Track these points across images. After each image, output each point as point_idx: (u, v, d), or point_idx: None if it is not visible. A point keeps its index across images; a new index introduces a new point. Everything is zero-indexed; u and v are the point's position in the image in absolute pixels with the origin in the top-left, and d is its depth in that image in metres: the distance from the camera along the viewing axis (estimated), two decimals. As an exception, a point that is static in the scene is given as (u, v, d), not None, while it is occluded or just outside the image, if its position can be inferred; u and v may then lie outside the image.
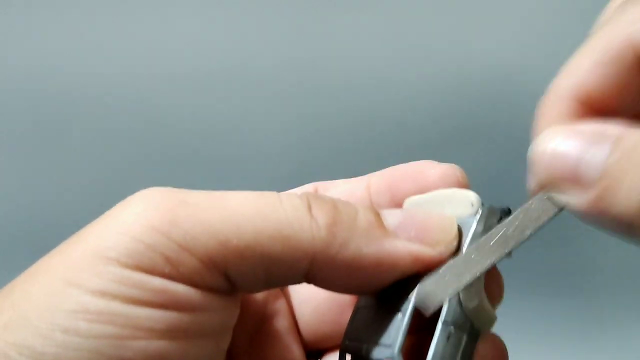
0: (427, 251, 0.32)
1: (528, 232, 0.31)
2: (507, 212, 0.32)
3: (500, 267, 0.33)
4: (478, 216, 0.32)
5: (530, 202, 0.31)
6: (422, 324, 0.32)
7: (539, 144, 0.30)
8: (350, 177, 0.36)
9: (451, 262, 0.31)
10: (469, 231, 0.32)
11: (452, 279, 0.31)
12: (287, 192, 0.33)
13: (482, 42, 0.78)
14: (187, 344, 0.30)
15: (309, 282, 0.32)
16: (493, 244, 0.31)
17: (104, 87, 0.79)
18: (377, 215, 0.32)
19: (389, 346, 0.31)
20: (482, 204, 0.33)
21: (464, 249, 0.32)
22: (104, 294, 0.29)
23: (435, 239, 0.32)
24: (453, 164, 0.35)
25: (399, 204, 0.35)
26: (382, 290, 0.32)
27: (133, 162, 0.79)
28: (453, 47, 0.78)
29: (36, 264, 0.31)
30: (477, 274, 0.31)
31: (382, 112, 0.78)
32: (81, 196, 0.79)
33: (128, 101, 0.79)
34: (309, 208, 0.31)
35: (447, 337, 0.31)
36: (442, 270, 0.31)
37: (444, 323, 0.31)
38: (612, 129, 0.29)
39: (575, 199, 0.29)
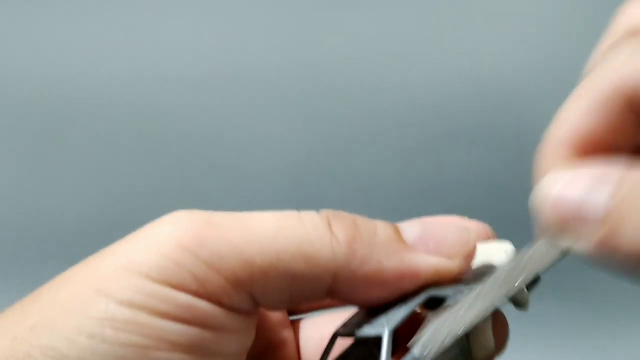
0: (446, 264, 0.33)
1: (530, 276, 0.32)
2: None
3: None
4: (508, 258, 0.33)
5: (534, 246, 0.32)
6: None
7: (541, 190, 0.31)
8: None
9: (453, 308, 0.32)
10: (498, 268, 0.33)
11: (450, 324, 0.31)
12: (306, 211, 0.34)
13: (486, 46, 0.78)
14: None
15: (332, 297, 0.33)
16: (493, 286, 0.32)
17: (106, 90, 0.79)
18: (396, 230, 0.33)
19: (382, 325, 0.32)
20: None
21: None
22: (131, 305, 0.30)
23: (453, 251, 0.33)
24: (483, 223, 0.35)
25: None
26: None
27: (135, 165, 0.80)
28: (459, 51, 0.78)
29: (64, 273, 0.32)
30: (472, 320, 0.31)
31: (389, 115, 0.78)
32: (81, 198, 0.79)
33: (132, 105, 0.79)
34: (329, 225, 0.32)
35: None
36: (443, 316, 0.32)
37: None
38: (613, 170, 0.30)
39: (579, 241, 0.30)
